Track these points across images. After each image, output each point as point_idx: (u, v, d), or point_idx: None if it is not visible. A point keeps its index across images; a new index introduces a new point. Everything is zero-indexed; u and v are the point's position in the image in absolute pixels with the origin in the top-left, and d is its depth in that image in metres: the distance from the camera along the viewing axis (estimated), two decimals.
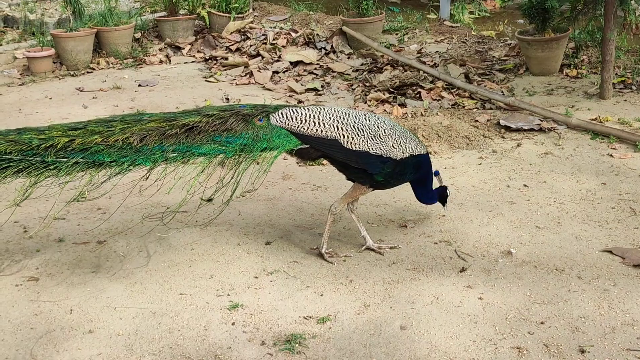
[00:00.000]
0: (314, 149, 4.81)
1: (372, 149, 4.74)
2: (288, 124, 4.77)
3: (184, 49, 11.16)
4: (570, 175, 6.18)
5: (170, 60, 10.81)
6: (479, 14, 12.70)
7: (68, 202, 4.77)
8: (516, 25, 11.68)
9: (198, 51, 11.13)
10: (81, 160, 4.51)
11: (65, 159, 4.49)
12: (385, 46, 10.43)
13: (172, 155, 4.61)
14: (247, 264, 4.91)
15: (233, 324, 4.25)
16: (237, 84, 9.50)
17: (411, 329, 4.15)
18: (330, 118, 4.78)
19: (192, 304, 4.46)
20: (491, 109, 7.95)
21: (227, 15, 11.51)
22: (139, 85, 9.55)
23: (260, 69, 9.97)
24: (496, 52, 10.04)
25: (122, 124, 4.68)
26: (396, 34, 11.23)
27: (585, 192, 5.83)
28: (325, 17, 11.98)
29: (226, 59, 10.52)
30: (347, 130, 4.73)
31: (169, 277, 4.78)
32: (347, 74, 9.69)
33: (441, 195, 5.26)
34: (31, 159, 4.47)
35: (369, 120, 4.83)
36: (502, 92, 8.45)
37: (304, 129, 4.74)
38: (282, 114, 4.82)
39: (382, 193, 5.91)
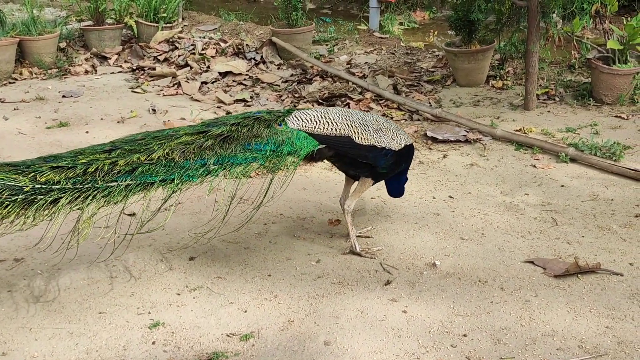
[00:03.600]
0: (328, 147, 4.91)
1: (378, 142, 4.94)
2: (305, 126, 4.86)
3: (110, 58, 10.96)
4: (494, 186, 6.25)
5: (96, 71, 10.60)
6: (408, 25, 12.82)
7: (134, 233, 4.69)
8: (447, 36, 11.82)
9: (125, 61, 10.95)
10: (131, 182, 4.33)
11: (114, 183, 4.29)
12: (315, 57, 10.44)
13: (213, 167, 4.55)
14: (169, 281, 4.81)
15: (153, 343, 4.14)
16: (164, 95, 9.36)
17: (335, 344, 4.11)
18: (339, 117, 4.94)
19: (111, 323, 4.34)
20: (419, 120, 8.02)
21: (155, 24, 11.36)
22: (63, 96, 9.32)
23: (188, 79, 9.85)
24: (424, 64, 10.14)
25: (155, 140, 4.57)
26: (326, 45, 11.24)
27: (509, 203, 5.90)
28: (255, 27, 11.92)
29: (154, 69, 10.37)
30: (356, 126, 4.91)
31: (88, 295, 4.65)
32: (276, 85, 9.65)
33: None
34: (81, 186, 4.21)
35: (367, 117, 5.06)
36: (429, 103, 8.53)
37: (320, 129, 4.86)
38: (297, 117, 4.91)
39: (310, 206, 5.89)
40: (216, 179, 4.61)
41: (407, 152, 5.14)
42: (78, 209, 4.25)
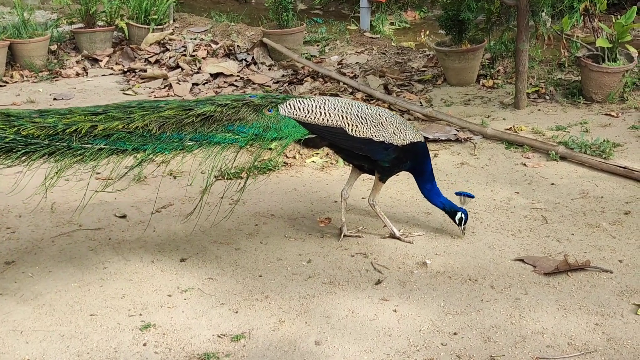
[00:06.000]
0: (320, 137, 4.99)
1: (375, 136, 4.99)
2: (296, 114, 4.93)
3: (101, 61, 10.96)
4: (485, 185, 6.27)
5: (87, 73, 10.59)
6: (399, 25, 12.84)
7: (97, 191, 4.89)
8: (438, 35, 11.83)
9: (116, 63, 10.94)
10: (105, 146, 4.54)
11: (89, 145, 4.51)
12: (306, 57, 10.45)
13: (189, 143, 4.69)
14: (160, 282, 4.81)
15: (145, 344, 4.15)
16: (155, 97, 9.35)
17: (326, 344, 4.12)
18: (335, 108, 4.99)
19: (102, 325, 4.34)
20: (410, 119, 8.03)
21: (146, 26, 11.35)
22: (54, 99, 9.32)
23: (179, 81, 9.84)
24: (415, 63, 10.16)
25: (141, 110, 4.74)
26: (317, 45, 11.25)
27: (499, 202, 5.92)
28: (246, 28, 11.93)
29: (145, 71, 10.37)
30: (351, 119, 4.97)
31: (79, 297, 4.65)
32: (267, 86, 9.65)
33: (453, 211, 5.29)
34: (57, 144, 4.48)
35: (371, 110, 5.09)
36: (420, 103, 8.54)
37: (311, 118, 4.94)
38: (290, 104, 4.98)
39: (301, 206, 5.90)
40: (189, 155, 4.73)
41: (414, 150, 5.14)
42: (53, 161, 4.53)
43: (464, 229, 5.32)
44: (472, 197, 5.35)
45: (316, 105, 4.98)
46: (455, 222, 5.31)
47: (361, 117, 4.98)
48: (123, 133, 4.57)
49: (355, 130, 4.95)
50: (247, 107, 4.91)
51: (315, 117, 4.93)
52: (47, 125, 4.53)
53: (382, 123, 5.02)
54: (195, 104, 4.90)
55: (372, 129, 4.98)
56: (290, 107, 4.96)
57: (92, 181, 4.96)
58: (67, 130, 4.51)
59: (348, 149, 5.09)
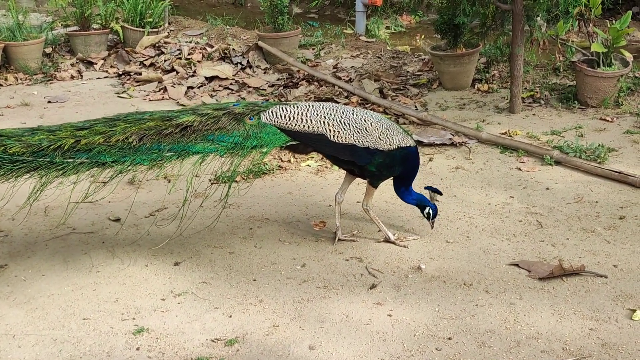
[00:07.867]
0: (303, 144, 4.99)
1: (358, 141, 4.95)
2: (277, 122, 4.93)
3: (96, 64, 10.91)
4: (480, 189, 6.26)
5: (82, 76, 10.55)
6: (395, 29, 12.86)
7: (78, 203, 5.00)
8: (434, 39, 11.82)
9: (111, 66, 10.91)
10: (86, 160, 4.62)
11: (71, 160, 4.61)
12: (301, 61, 10.44)
13: (168, 154, 4.73)
14: (154, 286, 4.79)
15: (138, 349, 4.13)
16: (150, 100, 9.33)
17: (320, 348, 4.11)
18: (317, 114, 4.97)
19: (95, 329, 4.33)
20: (404, 123, 8.02)
21: (141, 29, 11.32)
22: (49, 102, 9.29)
23: (174, 84, 9.82)
24: (410, 67, 10.16)
25: (124, 123, 4.79)
26: (313, 49, 11.24)
27: (494, 206, 5.91)
28: (242, 32, 11.92)
29: (140, 74, 10.33)
30: (333, 125, 4.94)
31: (72, 301, 4.63)
32: (263, 89, 9.64)
33: (422, 205, 5.29)
34: (41, 160, 4.59)
35: (356, 115, 5.04)
36: (415, 107, 8.54)
37: (292, 125, 4.92)
38: (272, 112, 4.98)
39: (295, 210, 5.89)
40: (169, 165, 4.82)
41: (402, 155, 5.08)
42: (38, 176, 4.64)
43: (433, 223, 5.33)
44: (441, 193, 5.35)
45: (298, 112, 4.96)
46: (424, 216, 5.33)
47: (344, 122, 4.95)
48: (104, 147, 4.64)
49: (337, 136, 4.93)
50: (228, 116, 4.92)
51: (296, 124, 4.92)
52: (33, 143, 4.61)
53: (366, 128, 4.96)
54: (176, 114, 4.91)
55: (355, 134, 4.94)
56: (272, 115, 4.95)
57: (86, 185, 4.91)
58: (51, 147, 4.60)
59: (333, 155, 5.10)
